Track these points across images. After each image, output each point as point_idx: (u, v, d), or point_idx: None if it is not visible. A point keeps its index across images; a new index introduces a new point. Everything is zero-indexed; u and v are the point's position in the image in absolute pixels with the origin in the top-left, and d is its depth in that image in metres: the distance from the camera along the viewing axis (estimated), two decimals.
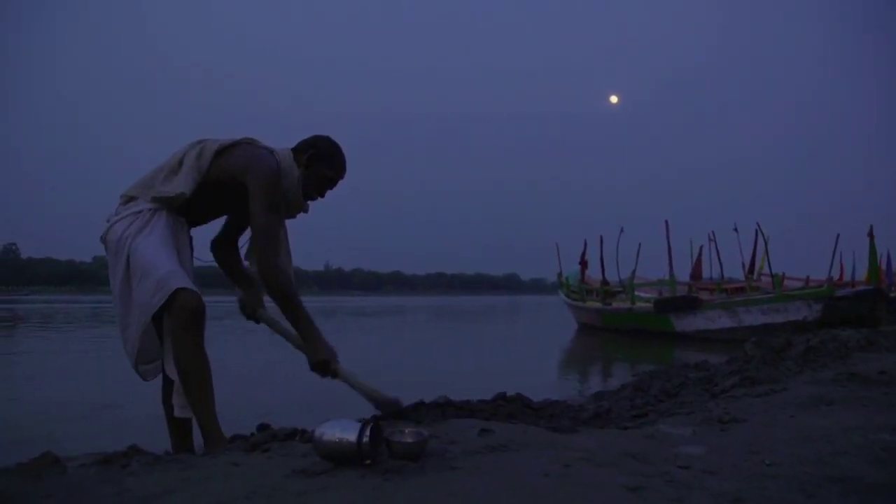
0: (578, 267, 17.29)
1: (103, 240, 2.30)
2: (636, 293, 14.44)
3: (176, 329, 2.09)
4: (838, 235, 13.94)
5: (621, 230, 15.85)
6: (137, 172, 2.37)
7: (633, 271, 14.82)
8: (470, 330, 17.08)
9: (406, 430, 1.75)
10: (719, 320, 12.37)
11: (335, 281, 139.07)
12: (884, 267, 16.52)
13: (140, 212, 2.24)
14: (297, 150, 2.41)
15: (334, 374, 2.25)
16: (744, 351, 4.71)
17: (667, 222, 14.78)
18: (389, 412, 2.30)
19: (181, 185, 2.24)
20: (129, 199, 2.31)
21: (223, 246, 2.62)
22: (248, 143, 2.38)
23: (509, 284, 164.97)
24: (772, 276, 13.04)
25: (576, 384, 6.44)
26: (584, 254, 17.22)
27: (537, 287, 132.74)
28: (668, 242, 14.61)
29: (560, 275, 18.79)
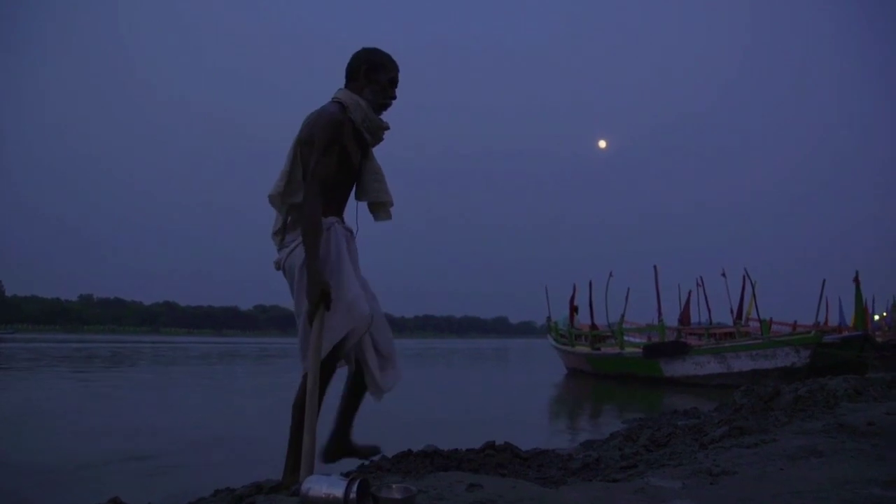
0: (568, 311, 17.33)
1: (282, 266, 2.32)
2: (625, 338, 14.46)
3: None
4: (824, 281, 14.14)
5: (610, 274, 15.97)
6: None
7: (623, 316, 14.87)
8: (459, 374, 16.93)
9: (393, 486, 1.73)
10: (708, 366, 12.39)
11: None
12: (870, 312, 16.70)
13: None
14: (351, 79, 2.41)
15: (313, 309, 2.15)
16: (733, 399, 4.71)
17: (655, 267, 14.93)
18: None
19: (293, 185, 2.28)
20: (281, 235, 2.34)
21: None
22: None
23: (498, 328, 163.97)
24: (760, 321, 13.12)
25: (565, 431, 6.38)
26: (573, 298, 17.28)
27: (526, 330, 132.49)
28: (657, 287, 14.72)
29: (549, 319, 18.80)
